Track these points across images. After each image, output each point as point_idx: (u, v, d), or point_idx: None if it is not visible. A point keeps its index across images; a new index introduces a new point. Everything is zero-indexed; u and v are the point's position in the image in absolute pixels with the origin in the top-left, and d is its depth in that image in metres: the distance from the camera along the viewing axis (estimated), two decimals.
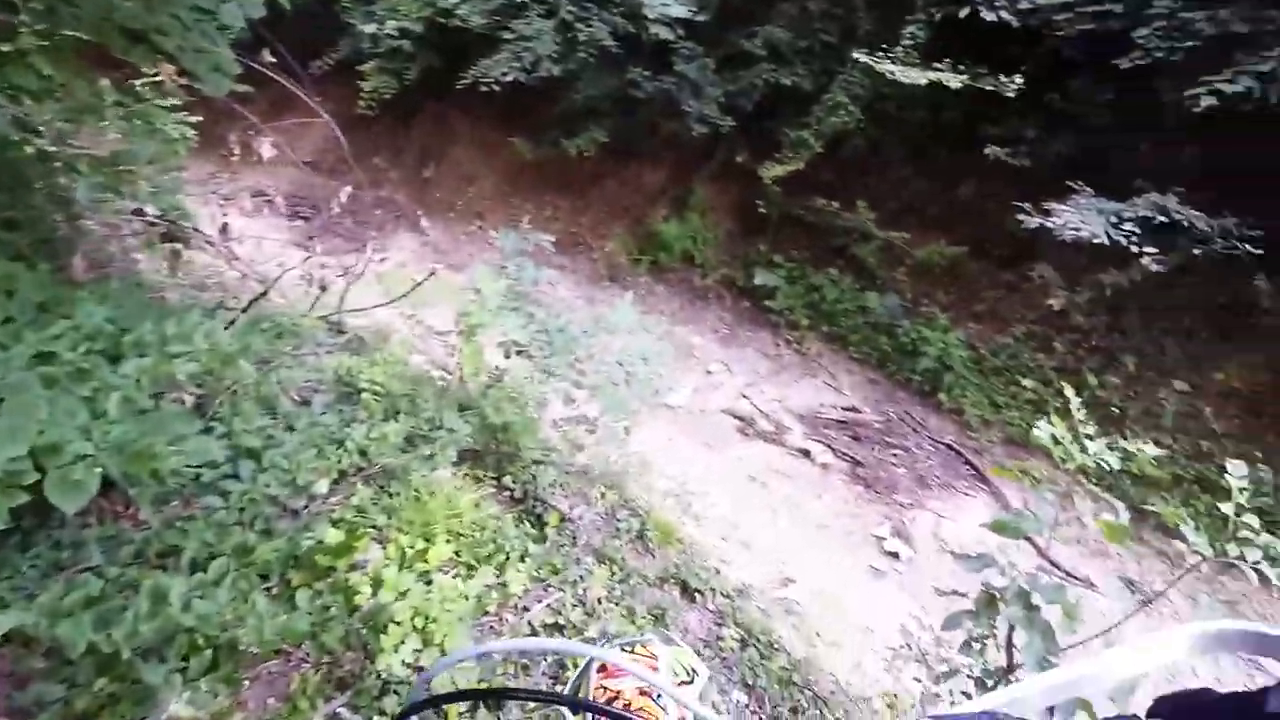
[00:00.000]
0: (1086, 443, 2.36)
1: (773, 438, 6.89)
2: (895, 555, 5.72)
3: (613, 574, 3.26)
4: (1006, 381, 6.74)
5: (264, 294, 3.55)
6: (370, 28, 9.62)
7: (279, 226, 11.31)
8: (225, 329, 2.10)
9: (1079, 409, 2.48)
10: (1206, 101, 4.94)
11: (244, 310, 3.29)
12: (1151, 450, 2.32)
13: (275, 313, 3.65)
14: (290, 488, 2.51)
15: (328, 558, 2.24)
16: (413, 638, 1.82)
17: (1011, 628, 2.27)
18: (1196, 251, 5.38)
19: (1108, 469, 2.35)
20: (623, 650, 1.10)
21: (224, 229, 3.64)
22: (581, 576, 3.02)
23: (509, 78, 8.13)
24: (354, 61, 10.48)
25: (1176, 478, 5.76)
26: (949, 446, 6.67)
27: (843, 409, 7.16)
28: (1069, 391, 2.46)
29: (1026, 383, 6.56)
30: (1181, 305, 6.17)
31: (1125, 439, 5.98)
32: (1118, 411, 6.19)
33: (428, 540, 2.69)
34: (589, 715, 0.97)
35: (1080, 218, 5.41)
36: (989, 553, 2.52)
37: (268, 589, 2.20)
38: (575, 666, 1.01)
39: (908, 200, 7.79)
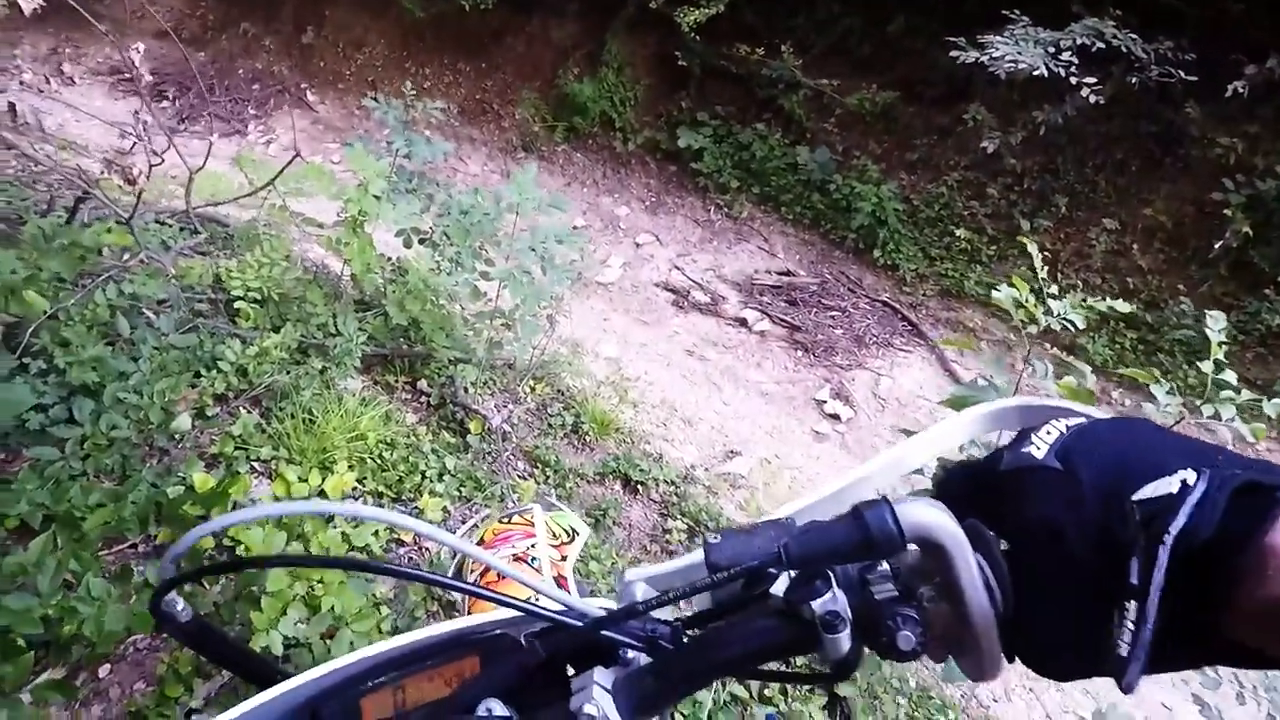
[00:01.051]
0: (1051, 303, 2.13)
1: (708, 309, 6.67)
2: (836, 417, 5.72)
3: (547, 478, 3.03)
4: (940, 233, 6.60)
5: (84, 194, 2.93)
6: None
7: (142, 109, 9.97)
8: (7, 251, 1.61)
9: (1040, 262, 2.23)
10: None
11: (67, 218, 2.69)
12: (1123, 306, 2.11)
13: (102, 217, 3.06)
14: (144, 426, 2.10)
15: (196, 507, 1.90)
16: (295, 606, 1.53)
17: None
18: (1133, 80, 5.14)
19: (1072, 329, 2.14)
20: (500, 521, 1.08)
21: (11, 109, 2.95)
22: (512, 486, 2.77)
23: None
24: None
25: (1104, 316, 5.84)
26: (885, 304, 6.59)
27: (778, 274, 6.95)
28: (1032, 248, 2.21)
29: (960, 232, 6.43)
30: (1114, 138, 6.01)
31: (1057, 282, 6.02)
32: (1050, 255, 6.15)
33: (325, 469, 2.36)
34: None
35: (1017, 49, 5.06)
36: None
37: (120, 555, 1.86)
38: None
39: (836, 41, 7.24)
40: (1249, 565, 0.38)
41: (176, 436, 2.19)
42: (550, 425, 3.52)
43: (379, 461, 2.57)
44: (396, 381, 3.31)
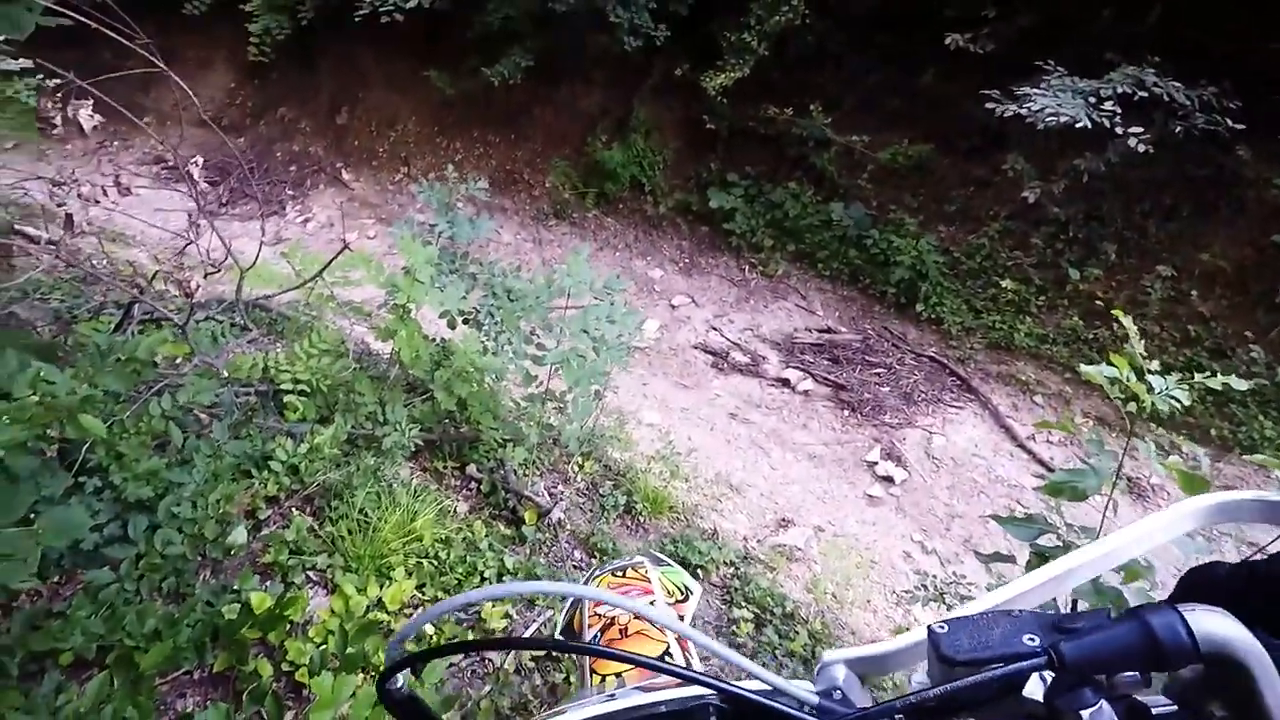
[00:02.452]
0: (1154, 380, 1.96)
1: (749, 369, 6.54)
2: (889, 479, 5.49)
3: None
4: (984, 284, 6.44)
5: (135, 300, 2.90)
6: None
7: (186, 196, 10.29)
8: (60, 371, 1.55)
9: (1137, 336, 2.07)
10: None
11: (119, 320, 2.67)
12: (1239, 384, 1.94)
13: (154, 317, 3.04)
14: (198, 540, 2.00)
15: (254, 630, 1.78)
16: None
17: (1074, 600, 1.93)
18: (1177, 128, 5.02)
19: (1179, 409, 1.97)
20: (614, 575, 1.07)
21: (68, 222, 2.98)
22: (572, 581, 2.63)
23: (411, 3, 7.21)
24: (237, 0, 9.30)
25: (1167, 366, 5.58)
26: (932, 359, 6.41)
27: (818, 331, 6.82)
28: (1127, 321, 2.06)
29: (1005, 283, 6.27)
30: (1161, 184, 5.86)
31: (1112, 331, 5.79)
32: (1102, 304, 5.95)
33: (383, 575, 2.24)
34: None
35: (1056, 101, 4.98)
36: (1039, 514, 2.15)
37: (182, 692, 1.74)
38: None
39: (864, 97, 7.25)
40: None
41: (233, 550, 2.10)
42: (603, 506, 3.38)
43: (436, 563, 2.44)
44: (445, 467, 3.20)
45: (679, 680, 0.64)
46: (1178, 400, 2.07)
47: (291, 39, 9.30)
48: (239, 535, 2.11)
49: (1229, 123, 4.92)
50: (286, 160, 10.45)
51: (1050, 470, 5.51)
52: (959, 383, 6.23)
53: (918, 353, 6.47)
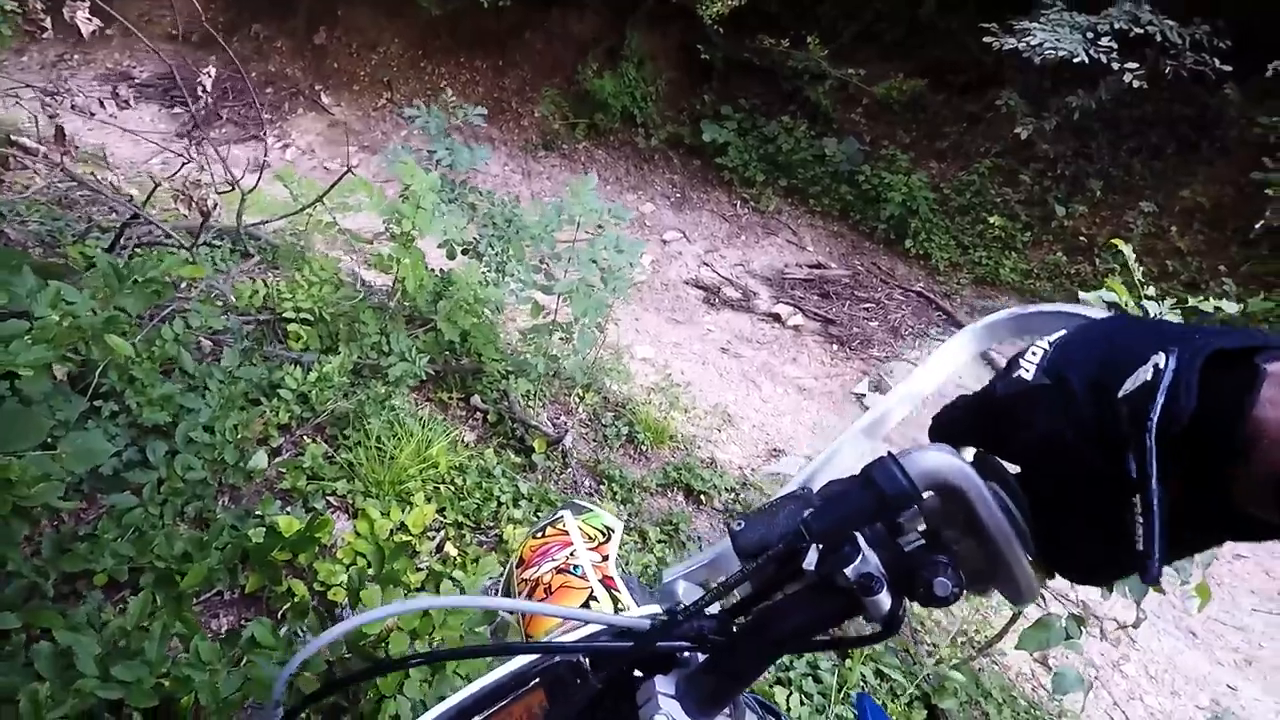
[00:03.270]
0: (1149, 306, 2.07)
1: (740, 305, 6.62)
2: None
3: (614, 493, 2.99)
4: (973, 220, 6.51)
5: (133, 218, 2.86)
6: None
7: (157, 116, 9.93)
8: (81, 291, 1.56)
9: (1135, 262, 2.17)
10: None
11: (110, 246, 2.62)
12: (1230, 306, 2.05)
13: (154, 242, 3.01)
14: (218, 465, 2.05)
15: (284, 553, 1.86)
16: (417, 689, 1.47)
17: None
18: (1166, 67, 5.03)
19: None
20: (534, 537, 1.12)
21: (58, 134, 2.91)
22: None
23: None
24: None
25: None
26: (919, 294, 6.52)
27: (809, 267, 6.88)
28: (1126, 249, 2.15)
29: (993, 220, 6.34)
30: (1149, 122, 5.90)
31: (1094, 266, 5.92)
32: (1085, 240, 6.07)
33: (403, 500, 2.33)
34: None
35: (1054, 36, 4.97)
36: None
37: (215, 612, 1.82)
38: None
39: (863, 28, 7.13)
40: (1244, 442, 0.39)
41: (253, 475, 2.16)
42: (605, 436, 3.48)
43: (454, 489, 2.53)
44: (450, 399, 3.27)
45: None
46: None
47: None
48: (259, 460, 2.17)
49: (1216, 62, 4.94)
50: (262, 82, 10.06)
51: None
52: (945, 317, 6.36)
53: (906, 288, 6.57)
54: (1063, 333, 0.53)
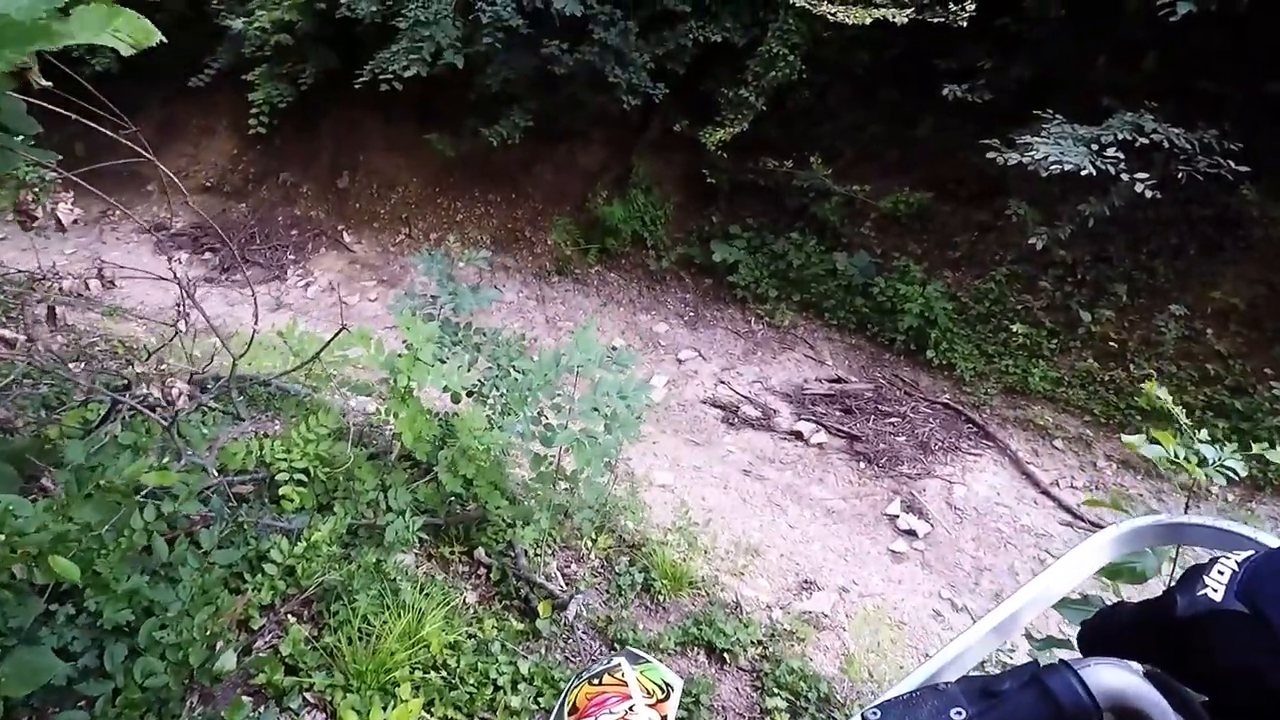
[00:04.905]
0: (1205, 450, 1.85)
1: (760, 423, 6.41)
2: (912, 533, 5.32)
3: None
4: (994, 329, 6.34)
5: (114, 409, 2.69)
6: (238, 23, 8.52)
7: (188, 262, 10.31)
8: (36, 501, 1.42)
9: (1178, 407, 1.96)
10: (1184, 8, 4.50)
11: (100, 421, 2.49)
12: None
13: (154, 404, 2.93)
14: (183, 668, 1.83)
15: None
16: None
17: None
18: (1179, 173, 4.98)
19: (1234, 478, 1.86)
20: (590, 683, 1.03)
21: (50, 313, 2.90)
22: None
23: (410, 71, 7.29)
24: (240, 69, 9.44)
25: (1188, 407, 5.44)
26: (946, 405, 6.28)
27: (828, 381, 6.70)
28: (1162, 392, 1.96)
29: (1016, 328, 6.17)
30: (1166, 224, 5.82)
31: (1129, 372, 5.67)
32: (1116, 346, 5.85)
33: (387, 693, 2.07)
34: None
35: (1059, 149, 4.96)
36: (1095, 595, 2.01)
37: None
38: None
39: (863, 148, 7.28)
40: None
41: (221, 677, 1.94)
42: (619, 587, 3.22)
43: (445, 674, 2.27)
44: (452, 553, 3.06)
45: None
46: (1234, 471, 1.95)
47: (293, 106, 9.40)
48: (228, 660, 1.94)
49: (1232, 164, 4.88)
50: (288, 224, 10.50)
51: (1078, 518, 5.34)
52: (975, 429, 6.09)
53: (931, 400, 6.34)
54: (1252, 554, 0.50)
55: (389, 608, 2.29)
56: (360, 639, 2.20)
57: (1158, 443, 1.88)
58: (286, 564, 2.29)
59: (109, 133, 2.46)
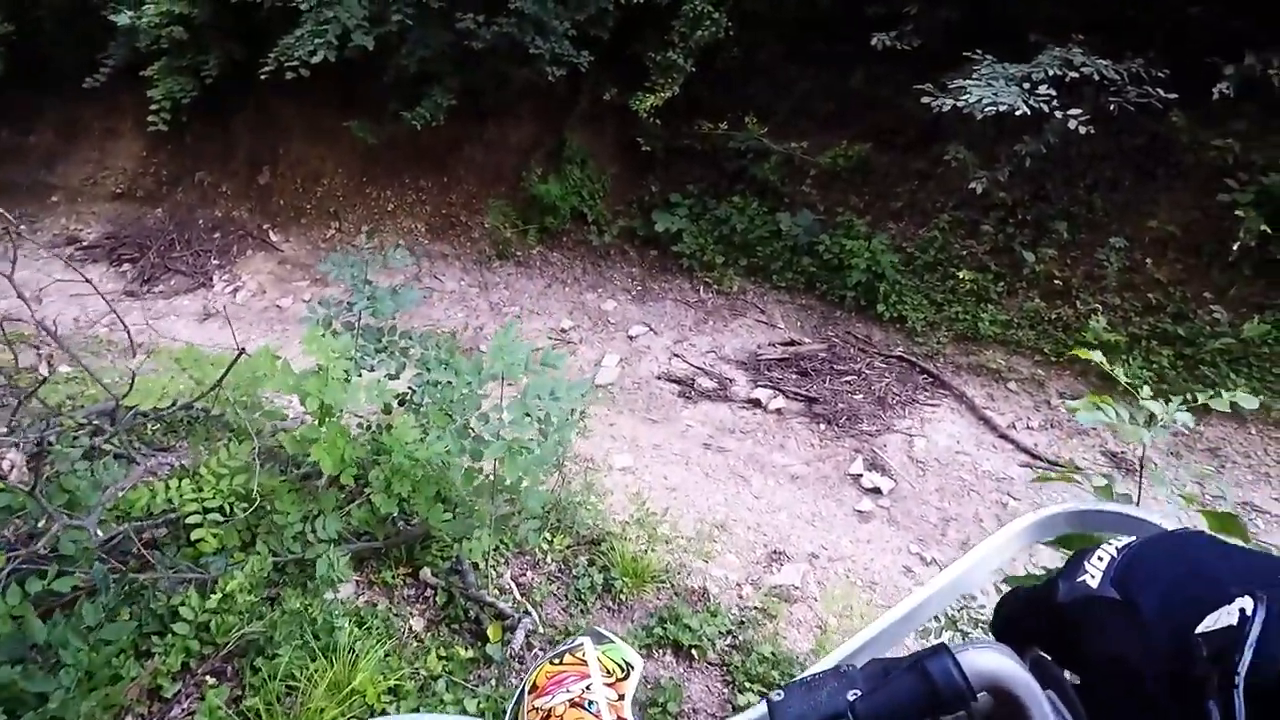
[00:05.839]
0: (1153, 407, 1.76)
1: (718, 394, 6.30)
2: (877, 490, 5.31)
3: None
4: (942, 277, 6.31)
5: None
6: (124, 19, 7.90)
7: (105, 275, 9.72)
8: None
9: (1128, 374, 1.87)
10: None
11: None
12: (1247, 401, 1.75)
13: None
14: None
15: None
16: None
17: None
18: (1110, 104, 4.93)
19: (1182, 430, 1.78)
20: (551, 663, 1.05)
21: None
22: None
23: (317, 57, 6.85)
24: (138, 64, 8.78)
25: (1133, 337, 5.49)
26: (900, 359, 6.25)
27: (782, 345, 6.61)
28: (1094, 356, 1.87)
29: (963, 274, 6.14)
30: (1100, 158, 5.80)
31: (1075, 309, 5.69)
32: (1060, 284, 5.86)
33: None
34: None
35: (991, 90, 4.87)
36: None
37: None
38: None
39: (797, 104, 7.11)
40: None
41: None
42: (579, 591, 3.07)
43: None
44: (395, 577, 2.87)
45: None
46: (1184, 425, 1.88)
47: (199, 100, 8.81)
48: None
49: (1160, 92, 4.84)
50: (209, 227, 9.95)
51: (1036, 458, 5.37)
52: (931, 380, 6.08)
53: (885, 354, 6.31)
54: (1131, 540, 0.52)
55: (317, 661, 2.10)
56: (288, 695, 2.02)
57: (1100, 408, 1.79)
58: (200, 619, 2.08)
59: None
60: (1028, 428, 5.62)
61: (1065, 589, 0.51)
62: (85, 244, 10.46)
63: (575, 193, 7.77)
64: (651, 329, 7.10)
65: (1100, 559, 0.50)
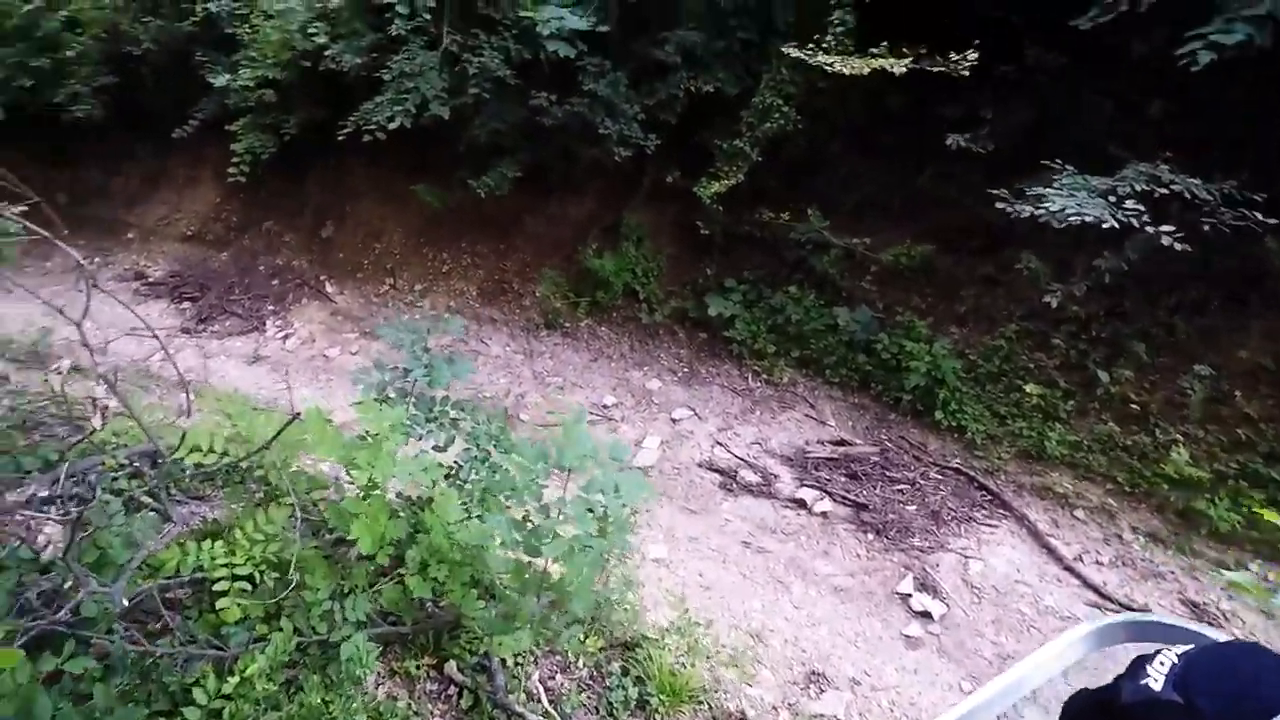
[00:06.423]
0: None
1: (761, 490, 6.02)
2: (927, 614, 4.91)
3: None
4: (1006, 389, 6.02)
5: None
6: (221, 80, 8.38)
7: (165, 311, 9.95)
8: None
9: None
10: (1205, 57, 4.29)
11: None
12: None
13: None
14: None
15: None
16: None
17: None
18: (1205, 225, 4.73)
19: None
20: None
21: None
22: None
23: (394, 123, 7.07)
24: (225, 119, 9.25)
25: (1219, 474, 5.11)
26: (957, 471, 5.91)
27: (831, 443, 6.34)
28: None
29: (1029, 388, 5.85)
30: (1185, 278, 5.55)
31: (1153, 437, 5.35)
32: (1137, 408, 5.53)
33: None
34: None
35: (1075, 201, 4.72)
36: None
37: None
38: None
39: (863, 199, 7.06)
40: None
41: None
42: (612, 705, 2.79)
43: None
44: (419, 666, 2.64)
45: None
46: None
47: (277, 156, 9.18)
48: None
49: (1259, 216, 4.64)
50: (269, 274, 10.19)
51: (1105, 598, 4.94)
52: (990, 497, 5.72)
53: (941, 465, 5.98)
54: (1190, 648, 0.56)
55: None
56: None
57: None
58: (212, 706, 1.88)
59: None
60: (1096, 562, 5.20)
61: (1130, 691, 0.54)
62: (150, 280, 10.79)
63: (629, 269, 7.76)
64: (696, 413, 6.90)
65: (1162, 664, 0.54)
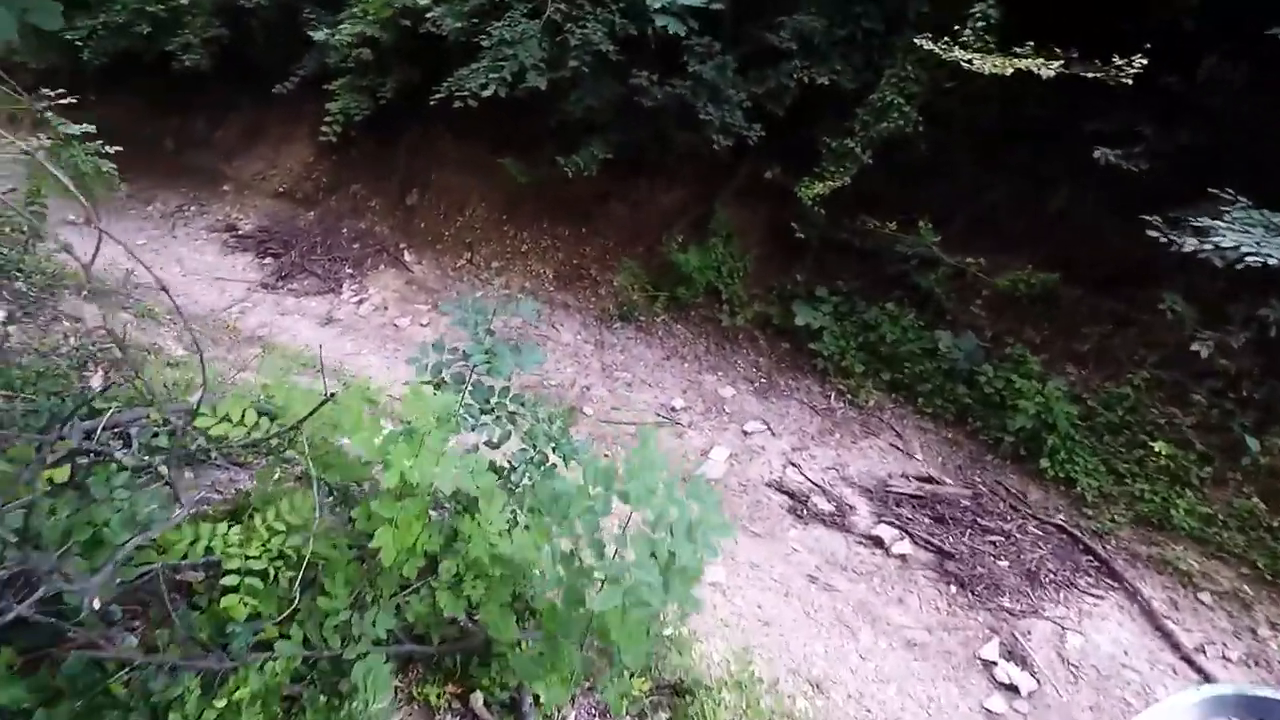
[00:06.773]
0: None
1: (834, 520, 5.50)
2: (1014, 689, 4.33)
3: None
4: (1128, 444, 5.31)
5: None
6: (321, 35, 8.32)
7: (249, 265, 10.10)
8: None
9: None
10: None
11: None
12: None
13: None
14: None
15: None
16: None
17: None
18: None
19: None
20: None
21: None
22: None
23: (488, 91, 6.80)
24: (325, 78, 9.24)
25: None
26: (1060, 529, 5.26)
27: (917, 480, 5.75)
28: None
29: (1157, 446, 5.14)
30: None
31: None
32: None
33: None
34: None
35: (1253, 239, 4.01)
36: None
37: None
38: None
39: (982, 215, 6.40)
40: None
41: None
42: None
43: None
44: (440, 695, 2.31)
45: None
46: None
47: (371, 118, 9.12)
48: None
49: None
50: (351, 237, 10.19)
51: None
52: (1097, 564, 5.05)
53: (1043, 520, 5.33)
54: None
55: None
56: None
57: None
58: None
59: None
60: (1222, 656, 4.49)
61: None
62: (240, 233, 10.98)
63: (714, 267, 7.32)
64: (769, 428, 6.41)
65: None
